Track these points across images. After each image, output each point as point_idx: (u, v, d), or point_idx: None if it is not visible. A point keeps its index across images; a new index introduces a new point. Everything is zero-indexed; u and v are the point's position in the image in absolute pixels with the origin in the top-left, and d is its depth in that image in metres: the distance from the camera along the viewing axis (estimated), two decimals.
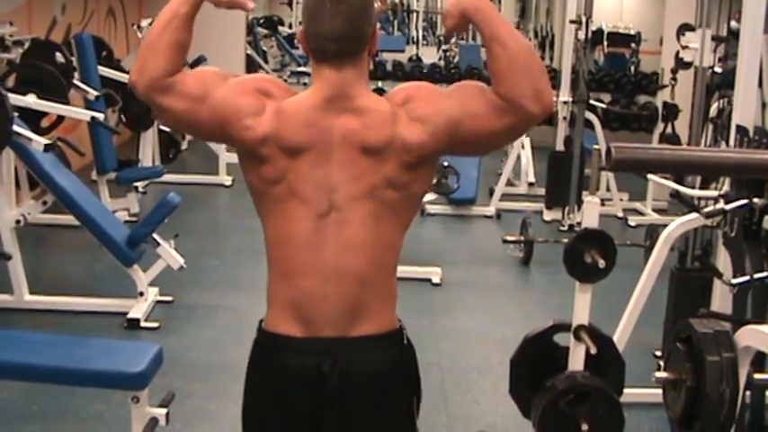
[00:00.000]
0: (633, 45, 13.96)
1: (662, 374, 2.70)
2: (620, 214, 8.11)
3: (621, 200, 8.33)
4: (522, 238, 6.70)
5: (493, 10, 2.04)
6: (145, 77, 2.07)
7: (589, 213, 3.22)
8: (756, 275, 3.47)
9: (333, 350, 2.06)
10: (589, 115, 8.00)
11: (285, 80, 15.28)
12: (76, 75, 6.88)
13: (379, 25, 2.13)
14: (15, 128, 4.94)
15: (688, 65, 7.38)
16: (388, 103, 2.06)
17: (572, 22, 7.65)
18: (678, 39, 7.78)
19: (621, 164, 2.42)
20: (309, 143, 2.02)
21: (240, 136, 2.04)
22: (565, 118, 7.83)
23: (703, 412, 2.48)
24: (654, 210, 8.26)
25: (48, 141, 5.02)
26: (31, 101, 5.96)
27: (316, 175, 2.03)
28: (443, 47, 12.22)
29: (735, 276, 3.58)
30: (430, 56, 17.03)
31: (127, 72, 8.00)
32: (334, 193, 2.03)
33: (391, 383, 2.12)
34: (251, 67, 12.91)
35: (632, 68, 13.34)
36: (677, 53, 7.87)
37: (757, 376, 2.76)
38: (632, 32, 14.02)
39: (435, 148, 2.05)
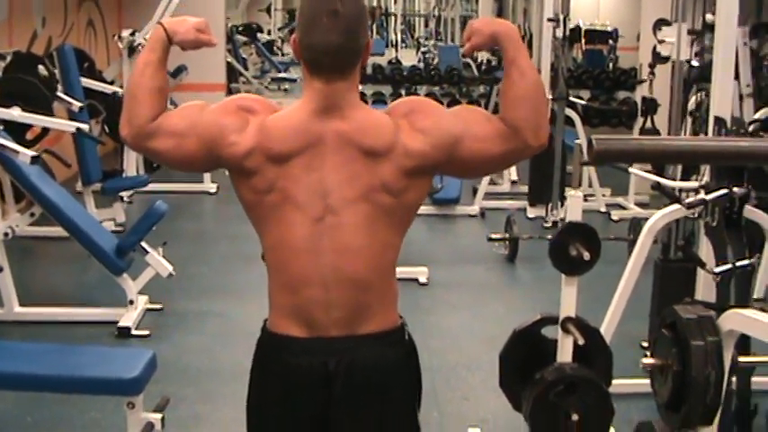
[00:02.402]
0: (611, 42, 14.10)
1: (649, 361, 2.75)
2: (603, 209, 8.16)
3: (604, 195, 8.37)
4: (506, 235, 6.75)
5: (520, 40, 2.13)
6: (133, 128, 2.13)
7: (573, 207, 3.26)
8: (738, 263, 3.52)
9: (338, 349, 2.10)
10: (569, 112, 8.05)
11: (266, 87, 15.41)
12: (60, 87, 6.88)
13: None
14: (1, 141, 4.95)
15: (665, 59, 7.45)
16: (389, 114, 2.10)
17: (549, 20, 7.69)
18: (655, 33, 7.86)
19: (603, 155, 2.46)
20: (299, 149, 2.05)
21: (227, 153, 2.07)
22: None
23: (690, 396, 2.53)
24: (636, 204, 8.30)
25: (35, 153, 5.03)
26: (15, 114, 5.94)
27: (309, 180, 2.05)
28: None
29: (717, 265, 3.63)
30: (409, 58, 17.13)
31: (109, 82, 8.03)
32: (328, 196, 2.06)
33: (396, 379, 2.16)
34: (231, 74, 12.94)
35: (611, 65, 13.46)
36: (654, 48, 7.94)
37: (742, 359, 2.83)
38: (609, 29, 14.16)
39: (434, 161, 2.08)
